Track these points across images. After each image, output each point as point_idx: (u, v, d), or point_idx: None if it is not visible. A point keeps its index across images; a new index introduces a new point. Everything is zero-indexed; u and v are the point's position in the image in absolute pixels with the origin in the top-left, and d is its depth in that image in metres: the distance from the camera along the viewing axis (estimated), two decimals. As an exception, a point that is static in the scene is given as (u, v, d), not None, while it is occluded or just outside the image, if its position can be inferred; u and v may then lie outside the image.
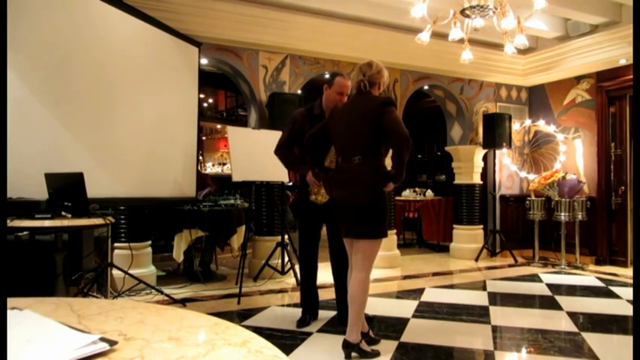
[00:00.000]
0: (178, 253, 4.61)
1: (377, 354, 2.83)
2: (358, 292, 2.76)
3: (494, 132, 6.23)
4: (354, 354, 2.77)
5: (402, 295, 4.48)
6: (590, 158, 6.24)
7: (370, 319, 3.36)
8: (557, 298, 4.34)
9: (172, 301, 3.99)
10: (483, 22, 3.70)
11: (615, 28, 5.46)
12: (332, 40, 5.43)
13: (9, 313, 0.90)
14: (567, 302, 4.17)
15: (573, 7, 5.14)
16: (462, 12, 3.54)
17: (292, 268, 4.85)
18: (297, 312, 3.58)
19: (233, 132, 4.56)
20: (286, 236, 4.86)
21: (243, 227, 5.00)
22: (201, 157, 5.73)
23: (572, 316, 3.75)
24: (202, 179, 5.67)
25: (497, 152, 6.70)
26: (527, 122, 7.01)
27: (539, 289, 4.79)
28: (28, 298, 1.10)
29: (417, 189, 8.54)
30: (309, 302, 3.57)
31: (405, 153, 2.65)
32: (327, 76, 5.94)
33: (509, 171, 6.96)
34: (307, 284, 3.57)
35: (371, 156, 2.76)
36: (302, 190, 3.43)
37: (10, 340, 0.76)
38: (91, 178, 2.99)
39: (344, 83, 3.28)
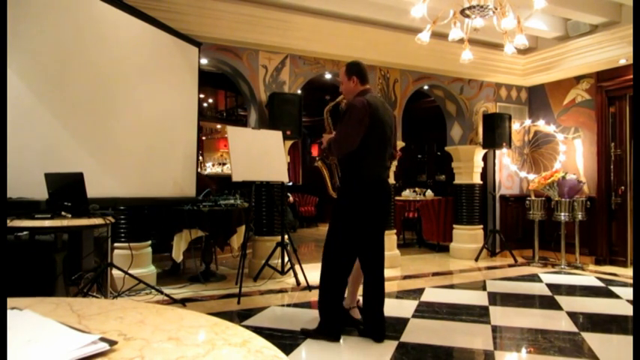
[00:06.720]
0: (178, 253, 4.61)
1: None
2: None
3: (494, 132, 6.23)
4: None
5: (402, 295, 4.48)
6: (590, 158, 6.24)
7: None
8: (557, 298, 4.34)
9: (172, 301, 3.99)
10: (483, 22, 3.69)
11: (615, 28, 5.46)
12: (332, 40, 5.42)
13: (9, 313, 0.90)
14: (567, 302, 4.17)
15: (573, 7, 5.13)
16: (462, 12, 3.53)
17: (292, 268, 4.86)
18: (297, 312, 3.57)
19: (233, 132, 4.56)
20: (286, 236, 4.86)
21: (243, 227, 5.00)
22: (200, 157, 5.71)
23: (572, 316, 3.75)
24: (202, 181, 5.66)
25: (497, 152, 6.70)
26: (527, 122, 7.01)
27: (539, 289, 4.79)
28: (28, 298, 1.10)
29: (417, 189, 8.56)
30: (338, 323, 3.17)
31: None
32: (327, 76, 5.96)
33: (509, 171, 6.95)
34: (338, 300, 3.15)
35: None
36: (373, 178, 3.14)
37: (10, 340, 0.76)
38: (91, 178, 2.99)
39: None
